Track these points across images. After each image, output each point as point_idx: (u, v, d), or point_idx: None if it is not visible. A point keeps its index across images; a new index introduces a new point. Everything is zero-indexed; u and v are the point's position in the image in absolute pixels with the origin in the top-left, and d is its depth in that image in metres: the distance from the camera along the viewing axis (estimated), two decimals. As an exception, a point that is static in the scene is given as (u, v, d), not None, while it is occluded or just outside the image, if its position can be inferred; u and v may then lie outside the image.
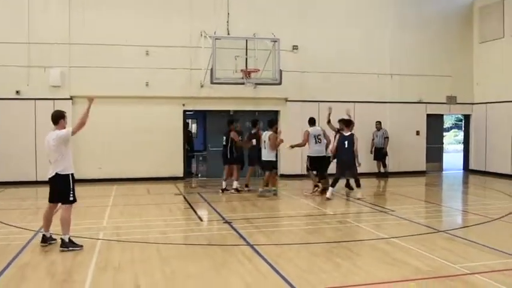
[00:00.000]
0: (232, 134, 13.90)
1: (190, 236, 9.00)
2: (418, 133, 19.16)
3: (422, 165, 19.26)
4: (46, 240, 7.85)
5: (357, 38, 18.26)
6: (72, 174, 7.83)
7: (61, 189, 7.73)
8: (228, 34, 16.52)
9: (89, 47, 15.95)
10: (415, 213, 10.97)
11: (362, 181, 13.14)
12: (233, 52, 15.43)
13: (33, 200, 13.35)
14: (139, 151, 16.38)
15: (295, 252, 7.55)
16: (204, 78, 16.02)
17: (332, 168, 13.89)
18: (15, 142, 15.40)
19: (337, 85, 17.83)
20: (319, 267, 6.69)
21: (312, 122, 13.93)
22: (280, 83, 15.48)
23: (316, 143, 13.58)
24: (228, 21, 16.77)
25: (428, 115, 19.32)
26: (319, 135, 13.61)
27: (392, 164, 18.42)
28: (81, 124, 7.65)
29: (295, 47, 17.56)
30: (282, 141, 13.49)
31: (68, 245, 7.57)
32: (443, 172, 20.03)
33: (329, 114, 14.21)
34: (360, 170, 13.28)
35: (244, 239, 8.36)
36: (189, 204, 12.25)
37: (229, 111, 17.52)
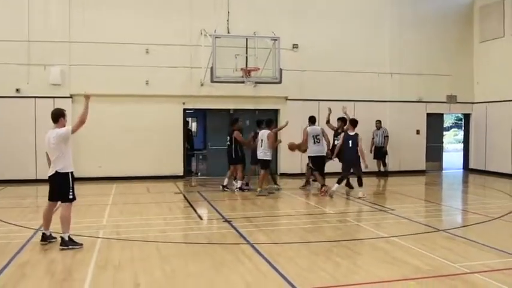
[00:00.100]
0: (236, 134, 13.90)
1: (190, 234, 8.99)
2: (418, 132, 19.16)
3: (422, 165, 19.26)
4: (46, 239, 7.85)
5: (357, 36, 18.27)
6: (71, 173, 7.82)
7: (61, 187, 7.72)
8: (228, 32, 16.51)
9: (89, 45, 15.94)
10: (415, 212, 10.97)
11: (362, 180, 13.12)
12: (233, 51, 15.42)
13: (33, 198, 13.36)
14: (139, 149, 16.38)
15: (295, 251, 7.55)
16: (204, 77, 16.02)
17: (332, 167, 13.97)
18: (15, 140, 15.39)
19: (337, 84, 17.82)
20: (319, 266, 6.69)
21: (312, 120, 13.91)
22: (280, 82, 15.48)
23: (314, 143, 13.58)
24: (228, 20, 16.75)
25: (428, 114, 19.32)
26: (317, 135, 13.62)
27: (392, 163, 18.42)
28: (81, 122, 7.65)
29: (295, 46, 17.55)
30: (280, 141, 13.59)
31: (68, 243, 7.57)
32: (443, 171, 20.03)
33: (329, 115, 14.33)
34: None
35: (244, 237, 8.36)
36: (189, 203, 12.24)
37: (229, 109, 17.53)
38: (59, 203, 7.94)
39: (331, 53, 17.89)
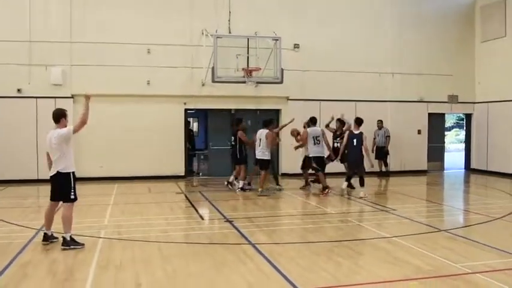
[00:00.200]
0: (240, 134, 13.91)
1: (192, 234, 8.99)
2: (419, 132, 19.14)
3: (423, 164, 19.25)
4: (47, 239, 7.85)
5: (358, 36, 18.27)
6: (73, 173, 7.82)
7: (62, 187, 7.73)
8: (230, 33, 16.51)
9: (90, 46, 15.95)
10: (416, 212, 10.97)
11: (364, 180, 13.11)
12: (234, 51, 15.41)
13: (34, 199, 13.38)
14: (141, 149, 16.39)
15: (297, 251, 7.54)
16: (206, 77, 16.02)
17: (334, 168, 14.00)
18: (16, 140, 15.40)
19: (338, 84, 17.83)
20: (320, 266, 6.68)
21: (313, 121, 13.91)
22: (281, 82, 15.47)
23: (314, 144, 13.57)
24: (229, 20, 16.75)
25: (429, 114, 19.32)
26: (318, 136, 13.60)
27: (393, 163, 18.42)
28: (83, 123, 7.65)
29: (296, 46, 17.55)
30: (279, 140, 13.63)
31: (70, 243, 7.57)
32: (445, 171, 20.03)
33: (330, 122, 14.34)
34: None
35: (245, 237, 8.35)
36: (190, 203, 12.25)
37: (230, 110, 17.55)
38: (61, 203, 7.95)
39: (332, 53, 17.89)
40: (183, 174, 17.00)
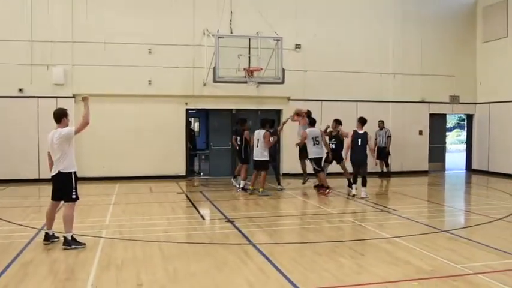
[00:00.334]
0: (246, 134, 13.93)
1: (193, 234, 8.99)
2: (420, 133, 19.14)
3: (424, 165, 19.24)
4: (49, 238, 7.86)
5: (359, 37, 18.26)
6: (74, 173, 7.82)
7: (64, 187, 7.73)
8: (231, 33, 16.50)
9: (91, 45, 15.96)
10: (417, 212, 10.95)
11: (366, 180, 13.11)
12: (236, 51, 15.39)
13: (35, 198, 13.39)
14: (142, 149, 16.40)
15: (298, 252, 7.55)
16: (207, 77, 16.04)
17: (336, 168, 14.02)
18: (18, 140, 15.42)
19: (339, 84, 17.83)
20: (321, 267, 6.68)
21: (312, 122, 13.94)
22: (282, 82, 15.45)
23: (314, 144, 13.62)
24: (231, 20, 16.75)
25: (431, 115, 19.31)
26: (317, 137, 13.66)
27: (394, 164, 18.40)
28: (85, 124, 7.67)
29: (298, 46, 17.56)
30: (276, 139, 13.66)
31: (71, 243, 7.58)
32: (446, 172, 20.02)
33: (326, 129, 14.38)
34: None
35: (246, 238, 8.36)
36: (192, 203, 12.26)
37: (231, 110, 17.55)
38: (62, 202, 7.96)
39: (333, 54, 17.89)
40: (184, 174, 17.01)
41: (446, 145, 22.19)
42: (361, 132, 12.89)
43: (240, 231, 8.87)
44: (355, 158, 12.91)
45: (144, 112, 16.46)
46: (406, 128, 18.75)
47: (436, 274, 6.35)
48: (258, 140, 13.34)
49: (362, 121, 13.03)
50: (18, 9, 15.64)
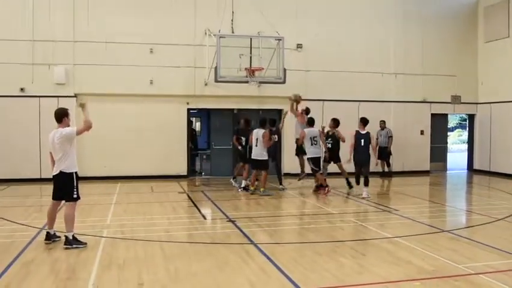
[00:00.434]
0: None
1: (194, 234, 8.99)
2: (422, 132, 19.13)
3: (426, 165, 19.23)
4: (50, 238, 7.86)
5: (361, 37, 18.26)
6: (76, 173, 7.82)
7: (65, 186, 7.74)
8: (233, 32, 16.49)
9: (93, 45, 15.97)
10: (419, 212, 10.94)
11: (368, 179, 13.12)
12: (237, 50, 15.41)
13: (37, 197, 13.39)
14: (143, 149, 16.41)
15: (299, 251, 7.54)
16: (208, 77, 16.03)
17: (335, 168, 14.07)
18: (19, 139, 15.43)
19: (341, 84, 17.82)
20: (322, 267, 6.67)
21: (310, 122, 13.96)
22: (284, 82, 15.46)
23: (312, 144, 13.64)
24: (232, 20, 16.74)
25: (432, 114, 19.30)
26: (315, 136, 13.68)
27: (396, 164, 18.38)
28: (88, 127, 7.70)
29: (299, 46, 17.55)
30: (275, 138, 13.68)
31: (72, 242, 7.58)
32: (448, 172, 20.00)
33: (323, 128, 14.39)
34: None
35: (247, 237, 8.36)
36: (193, 203, 12.26)
37: (233, 109, 17.55)
38: (63, 202, 7.96)
39: (335, 53, 17.89)
40: (185, 173, 17.01)
41: (448, 145, 22.15)
42: (363, 132, 12.89)
43: (241, 231, 8.87)
44: (358, 158, 12.89)
45: (145, 112, 16.47)
46: (408, 127, 18.74)
47: (437, 274, 6.35)
48: (257, 139, 13.33)
49: (364, 121, 13.03)
50: (20, 9, 15.64)
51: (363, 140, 12.78)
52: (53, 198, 7.94)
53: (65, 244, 7.58)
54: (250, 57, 15.66)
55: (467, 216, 11.20)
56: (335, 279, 6.17)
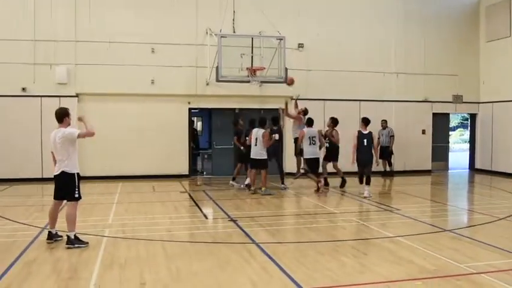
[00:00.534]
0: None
1: (196, 233, 9.00)
2: (423, 132, 19.12)
3: (427, 164, 19.21)
4: (52, 237, 7.87)
5: (362, 36, 18.25)
6: (78, 173, 7.84)
7: (66, 186, 7.74)
8: (234, 32, 16.49)
9: (94, 45, 15.99)
10: (420, 212, 10.94)
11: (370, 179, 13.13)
12: (239, 50, 15.39)
13: (38, 197, 13.42)
14: (145, 148, 16.42)
15: (301, 251, 7.54)
16: (210, 76, 16.03)
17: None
18: (21, 139, 15.44)
19: (342, 83, 17.82)
20: (324, 266, 6.67)
21: (309, 122, 14.00)
22: (285, 81, 15.45)
23: (310, 144, 13.69)
24: (233, 19, 16.74)
25: (434, 114, 19.28)
26: (314, 136, 13.74)
27: (397, 163, 18.38)
28: (90, 135, 7.79)
29: (300, 45, 17.55)
30: (275, 138, 13.72)
31: (74, 242, 7.59)
32: (449, 171, 19.99)
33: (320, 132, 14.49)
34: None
35: (249, 237, 8.36)
36: (194, 202, 12.26)
37: (234, 109, 17.54)
38: (65, 201, 7.97)
39: (336, 53, 17.89)
40: (187, 173, 17.02)
41: (449, 144, 22.13)
42: (365, 132, 12.89)
43: (242, 230, 8.87)
44: (361, 159, 12.89)
45: (147, 111, 16.48)
46: (409, 127, 18.73)
47: (439, 273, 6.34)
48: (256, 138, 13.33)
49: (366, 121, 13.03)
50: (21, 9, 15.66)
51: (365, 140, 12.79)
52: (55, 198, 7.95)
53: (66, 244, 7.59)
54: (252, 56, 15.63)
55: (468, 215, 11.19)
56: (337, 279, 6.17)
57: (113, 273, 6.41)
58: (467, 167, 20.64)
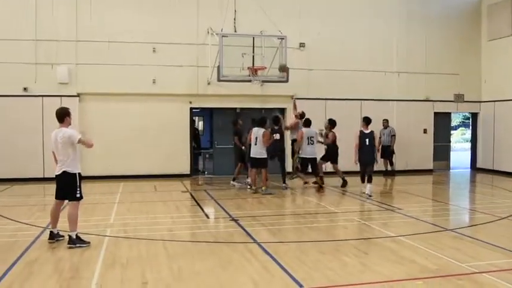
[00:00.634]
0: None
1: (197, 233, 9.01)
2: (425, 131, 19.09)
3: (429, 164, 19.19)
4: (53, 237, 7.88)
5: (364, 35, 18.22)
6: (79, 173, 7.85)
7: (68, 186, 7.74)
8: (235, 31, 16.49)
9: (96, 44, 15.99)
10: (422, 211, 10.93)
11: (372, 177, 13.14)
12: (240, 49, 15.35)
13: (40, 197, 13.43)
14: (146, 148, 16.42)
15: (302, 250, 7.53)
16: (211, 76, 16.03)
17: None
18: (22, 139, 15.44)
19: (344, 83, 17.80)
20: (325, 265, 6.67)
21: (307, 123, 14.05)
22: (287, 81, 15.44)
23: (308, 144, 13.80)
24: (235, 19, 16.75)
25: (435, 113, 19.25)
26: (312, 136, 13.87)
27: (399, 162, 18.37)
28: (89, 146, 7.87)
29: (302, 45, 17.53)
30: (277, 137, 13.73)
31: (76, 241, 7.59)
32: (451, 170, 19.96)
33: (321, 131, 14.53)
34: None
35: (250, 236, 8.36)
36: (196, 202, 12.27)
37: (235, 108, 17.54)
38: (66, 201, 7.97)
39: (338, 52, 17.86)
40: (188, 172, 17.02)
41: (451, 143, 22.11)
42: (367, 131, 12.88)
43: (244, 229, 8.88)
44: (363, 158, 12.89)
45: (148, 111, 16.47)
46: (411, 126, 18.71)
47: (441, 273, 6.34)
48: (256, 138, 13.34)
49: (367, 121, 13.03)
50: (23, 8, 15.65)
51: (367, 140, 12.78)
52: (56, 198, 7.96)
53: (68, 243, 7.59)
54: (253, 56, 15.62)
55: (470, 215, 11.17)
56: (338, 278, 6.17)
57: (114, 272, 6.41)
58: (469, 166, 20.61)
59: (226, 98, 17.04)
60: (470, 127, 21.97)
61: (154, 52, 16.43)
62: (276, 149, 14.11)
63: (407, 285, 5.93)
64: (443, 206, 12.12)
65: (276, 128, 14.21)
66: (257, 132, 13.35)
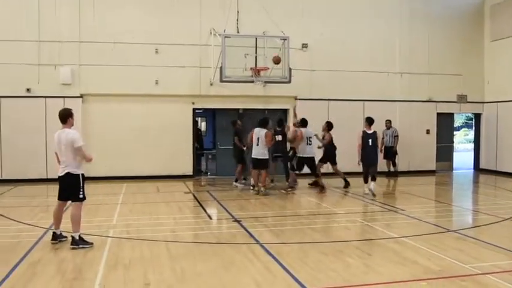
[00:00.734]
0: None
1: (200, 234, 9.00)
2: (428, 132, 19.06)
3: (432, 165, 19.15)
4: (56, 238, 7.89)
5: (366, 36, 18.21)
6: (82, 174, 7.87)
7: (71, 187, 7.76)
8: (238, 32, 16.48)
9: (98, 45, 16.00)
10: (425, 212, 10.91)
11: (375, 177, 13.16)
12: (243, 50, 15.35)
13: (43, 198, 13.43)
14: (149, 149, 16.43)
15: (305, 251, 7.53)
16: (214, 76, 16.04)
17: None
18: (25, 140, 15.46)
19: (346, 83, 17.78)
20: (328, 266, 6.67)
21: (303, 123, 14.09)
22: (289, 81, 15.44)
23: (307, 144, 13.80)
24: (237, 19, 16.74)
25: (438, 114, 19.22)
26: (310, 137, 13.87)
27: (402, 163, 18.33)
28: (88, 160, 7.96)
29: (304, 45, 17.53)
30: (275, 139, 13.74)
31: (78, 242, 7.60)
32: (454, 171, 19.93)
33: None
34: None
35: (253, 237, 8.36)
36: (199, 203, 12.27)
37: (238, 109, 17.54)
38: (69, 202, 7.99)
39: (340, 53, 17.85)
40: (191, 173, 17.02)
41: (454, 144, 22.07)
42: (370, 132, 12.88)
43: (247, 230, 8.88)
44: (366, 159, 12.88)
45: (151, 112, 16.49)
46: (414, 127, 18.68)
47: (444, 274, 6.33)
48: (258, 138, 13.34)
49: (370, 121, 13.03)
50: (25, 9, 15.69)
51: (370, 140, 12.78)
52: (59, 199, 7.97)
53: (71, 244, 7.60)
54: (256, 56, 15.63)
55: (473, 216, 11.16)
56: (341, 279, 6.16)
57: (117, 273, 6.42)
58: (472, 167, 20.57)
59: (229, 98, 17.05)
60: (473, 128, 21.94)
61: (157, 53, 16.44)
62: (277, 150, 14.12)
63: (410, 286, 5.92)
64: (446, 207, 12.10)
65: (278, 129, 14.21)
66: (259, 132, 13.36)
